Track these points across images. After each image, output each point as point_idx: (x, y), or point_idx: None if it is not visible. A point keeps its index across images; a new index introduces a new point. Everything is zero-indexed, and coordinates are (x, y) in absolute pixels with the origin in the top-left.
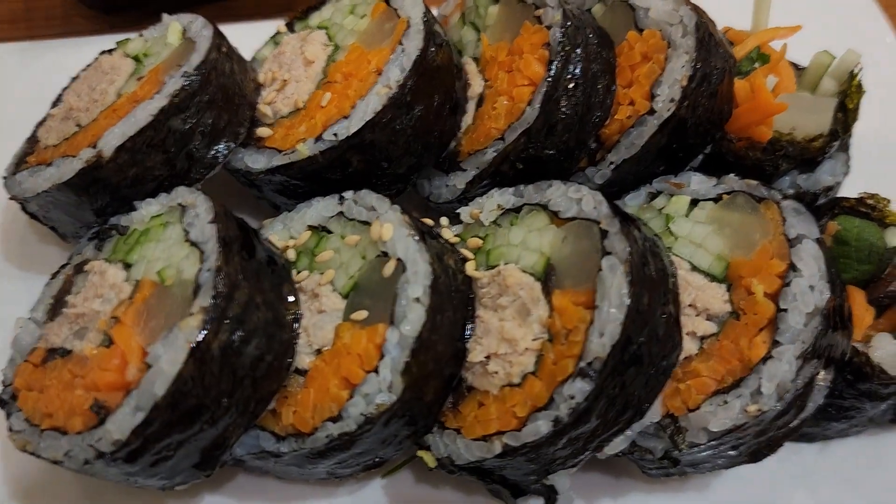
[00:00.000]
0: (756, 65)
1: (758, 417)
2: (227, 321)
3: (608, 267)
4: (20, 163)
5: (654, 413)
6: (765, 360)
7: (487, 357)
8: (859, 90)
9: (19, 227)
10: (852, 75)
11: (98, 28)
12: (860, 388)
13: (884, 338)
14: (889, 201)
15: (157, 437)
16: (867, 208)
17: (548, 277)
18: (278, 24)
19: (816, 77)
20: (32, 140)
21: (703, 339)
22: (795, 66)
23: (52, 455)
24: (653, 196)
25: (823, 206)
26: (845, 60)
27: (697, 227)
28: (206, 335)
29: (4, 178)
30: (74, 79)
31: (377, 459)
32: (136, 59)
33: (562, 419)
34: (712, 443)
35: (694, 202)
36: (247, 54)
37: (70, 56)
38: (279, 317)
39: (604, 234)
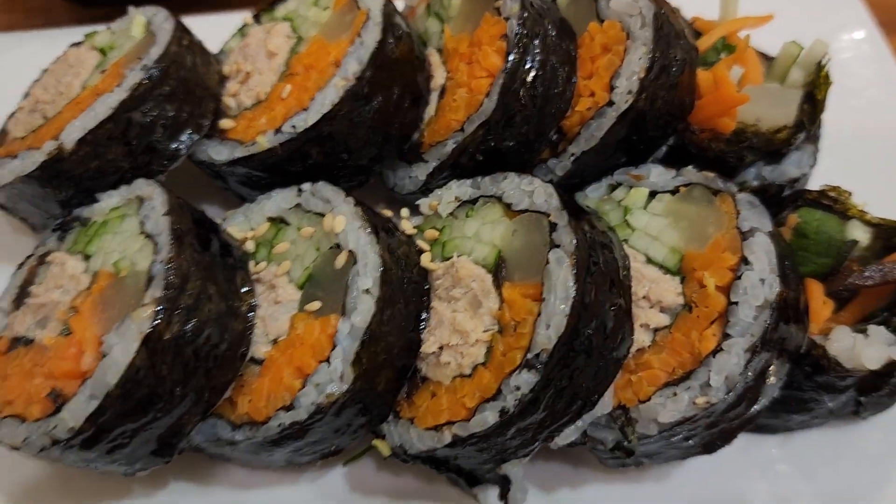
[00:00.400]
0: (722, 55)
1: (707, 409)
2: (179, 312)
3: (555, 260)
4: None
5: (606, 404)
6: (714, 352)
7: (440, 348)
8: (827, 81)
9: None
10: (820, 66)
11: (78, 19)
12: (818, 380)
13: (842, 331)
14: (850, 194)
15: (111, 425)
16: (829, 201)
17: (499, 270)
18: (246, 16)
19: (785, 67)
20: (2, 133)
21: (655, 330)
22: (765, 57)
23: (11, 441)
24: (613, 187)
25: (787, 197)
26: (813, 51)
27: (654, 219)
28: (157, 325)
29: None
30: (44, 71)
31: (334, 448)
32: (102, 51)
33: (508, 410)
34: (663, 434)
35: (652, 194)
36: (218, 45)
37: (46, 48)
38: (232, 307)
39: (553, 226)
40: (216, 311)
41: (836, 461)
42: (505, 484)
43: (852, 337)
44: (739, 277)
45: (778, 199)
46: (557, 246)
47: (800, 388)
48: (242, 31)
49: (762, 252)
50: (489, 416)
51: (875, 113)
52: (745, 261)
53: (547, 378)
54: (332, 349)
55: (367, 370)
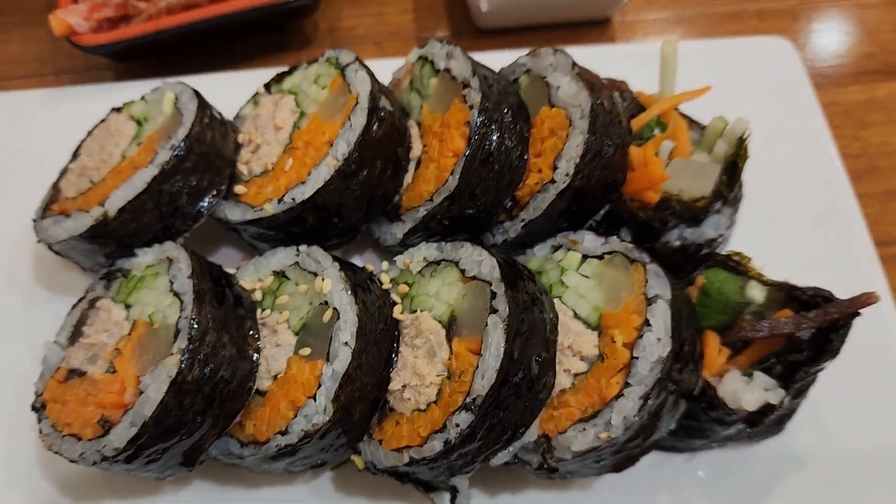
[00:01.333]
0: (656, 131)
1: (609, 442)
2: (199, 359)
3: (492, 323)
4: (46, 208)
5: (532, 434)
6: (617, 397)
7: (403, 386)
8: (745, 154)
9: (47, 257)
10: (741, 140)
11: (116, 69)
12: (711, 415)
13: (733, 375)
14: (751, 259)
15: (147, 445)
16: (733, 263)
17: (451, 326)
18: (261, 79)
19: (712, 139)
20: (56, 189)
21: (575, 375)
22: (697, 126)
23: (70, 455)
24: (555, 248)
25: (704, 257)
26: (735, 127)
27: (583, 280)
28: (181, 371)
29: (34, 220)
30: (89, 134)
31: (320, 462)
32: (138, 122)
33: (451, 441)
34: (577, 459)
35: (585, 257)
36: (237, 98)
37: (90, 102)
38: (242, 352)
39: (493, 294)
40: (229, 356)
41: (729, 476)
42: (454, 492)
43: (740, 380)
44: (641, 336)
45: (694, 258)
46: (495, 311)
47: (698, 419)
48: (255, 99)
49: (660, 317)
50: (436, 445)
51: (793, 178)
52: (647, 322)
53: (482, 417)
54: (318, 388)
55: (345, 405)
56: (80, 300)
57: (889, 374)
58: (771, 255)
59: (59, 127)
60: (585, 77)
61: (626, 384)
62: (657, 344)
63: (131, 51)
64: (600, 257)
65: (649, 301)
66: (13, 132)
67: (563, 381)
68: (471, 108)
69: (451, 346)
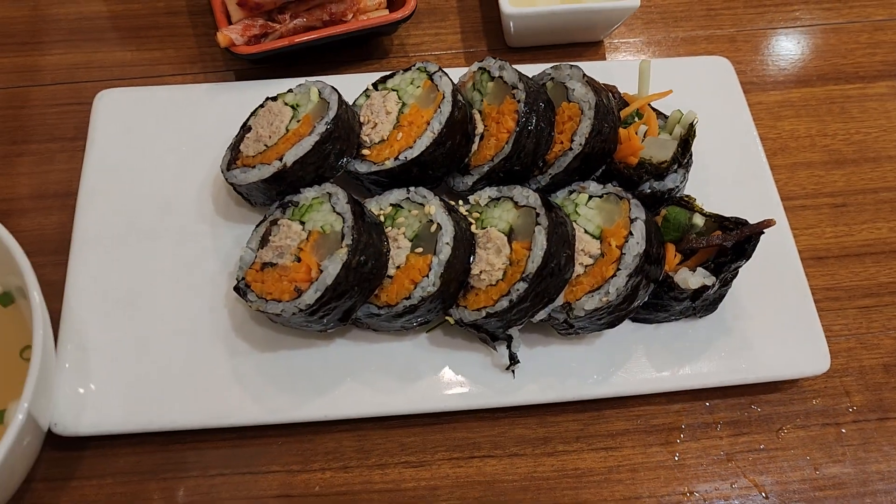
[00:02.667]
0: (636, 118)
1: (608, 304)
2: (358, 251)
3: (537, 231)
4: (230, 163)
5: (559, 300)
6: (612, 277)
7: (480, 272)
8: (694, 134)
9: (222, 199)
10: (691, 125)
11: (248, 70)
12: (669, 294)
13: (684, 270)
14: (696, 199)
15: (325, 304)
16: (684, 202)
17: (511, 234)
18: (368, 82)
19: (673, 125)
20: (237, 151)
21: (586, 266)
22: (662, 115)
23: (273, 311)
24: (570, 192)
25: (665, 198)
26: (687, 116)
27: (589, 210)
28: (347, 258)
29: (223, 171)
30: (253, 114)
31: (426, 320)
32: (292, 107)
33: (513, 300)
34: (587, 317)
35: (590, 197)
36: (346, 95)
37: (241, 94)
38: (380, 249)
39: (537, 214)
40: (374, 251)
41: (682, 338)
42: (510, 339)
43: (688, 273)
44: (627, 241)
45: (660, 200)
46: (539, 224)
47: (661, 298)
48: (366, 93)
49: (639, 230)
50: (503, 303)
51: (728, 152)
52: (631, 233)
53: (531, 285)
54: (429, 271)
55: (445, 281)
56: (262, 221)
57: (782, 272)
58: (710, 202)
59: (218, 111)
60: (591, 83)
61: (618, 269)
62: (636, 245)
63: (266, 59)
64: (601, 196)
65: (632, 221)
66: (186, 115)
67: (578, 269)
68: (518, 102)
69: (511, 246)
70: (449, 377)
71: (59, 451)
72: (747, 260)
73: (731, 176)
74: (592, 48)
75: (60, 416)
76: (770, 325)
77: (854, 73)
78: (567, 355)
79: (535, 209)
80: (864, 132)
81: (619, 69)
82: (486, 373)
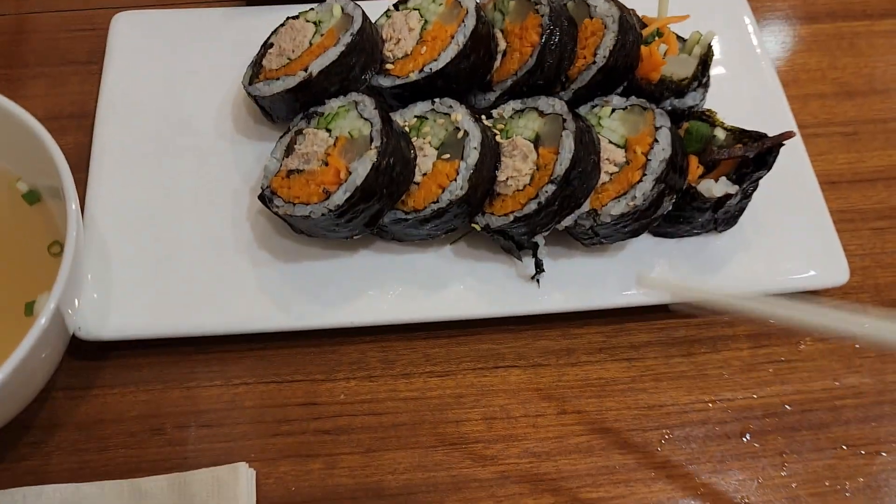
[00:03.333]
0: (655, 38)
1: (634, 209)
2: (387, 154)
3: (565, 135)
4: (252, 79)
5: (586, 206)
6: (638, 182)
7: (507, 178)
8: (712, 53)
9: (243, 115)
10: (709, 46)
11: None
12: (693, 204)
13: (707, 181)
14: (717, 113)
15: (354, 205)
16: (706, 116)
17: (537, 141)
18: (388, 4)
19: (692, 46)
20: (259, 65)
21: (611, 174)
22: (681, 38)
23: (301, 213)
24: (593, 106)
25: (686, 114)
26: (706, 37)
27: (614, 121)
28: (377, 160)
29: (245, 85)
30: (274, 32)
31: (452, 227)
32: (314, 23)
33: (542, 202)
34: (614, 223)
35: (613, 110)
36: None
37: (258, 18)
38: (407, 156)
39: (564, 120)
40: (402, 156)
41: (702, 251)
42: (535, 246)
43: (710, 182)
44: (653, 147)
45: (681, 115)
46: (566, 129)
47: (683, 210)
48: (387, 13)
49: (664, 136)
50: (532, 206)
51: (737, 75)
52: (656, 140)
53: (560, 188)
54: (457, 175)
55: (473, 185)
56: (287, 132)
57: (799, 190)
58: (730, 118)
59: (235, 35)
60: (614, 0)
61: (644, 174)
62: (662, 151)
63: None
64: (624, 108)
65: (657, 129)
66: (202, 38)
67: (603, 178)
68: (542, 16)
69: (538, 152)
70: (473, 287)
71: (80, 361)
72: (768, 170)
73: (747, 101)
74: None
75: (84, 320)
76: (789, 240)
77: (862, 10)
78: (590, 266)
79: (562, 115)
80: (872, 66)
81: None
82: (510, 283)
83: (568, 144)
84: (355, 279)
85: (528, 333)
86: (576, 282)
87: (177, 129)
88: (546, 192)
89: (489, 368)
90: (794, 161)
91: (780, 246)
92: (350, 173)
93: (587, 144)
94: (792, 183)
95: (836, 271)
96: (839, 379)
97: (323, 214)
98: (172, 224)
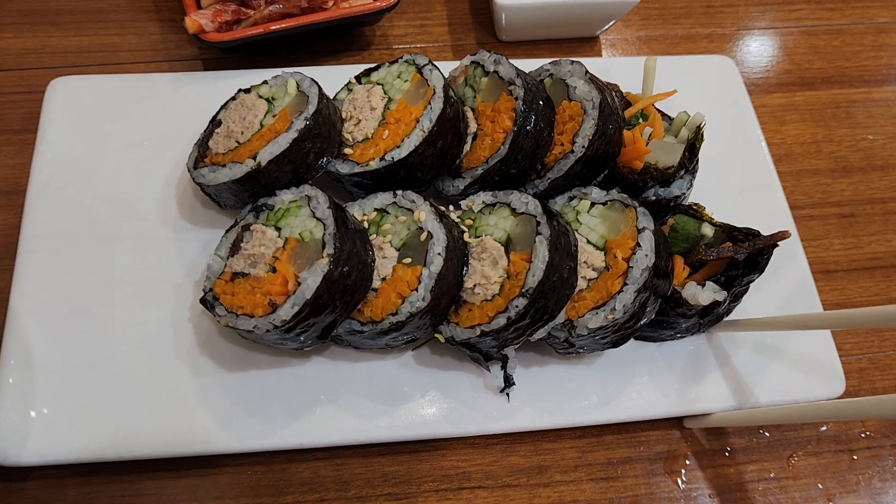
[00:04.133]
0: (640, 120)
1: (613, 322)
2: (340, 262)
3: (538, 241)
4: (198, 161)
5: (561, 317)
6: (619, 292)
7: (474, 285)
8: (702, 138)
9: (188, 199)
10: (699, 128)
11: (218, 59)
12: (677, 311)
13: (692, 284)
14: (705, 208)
15: (304, 319)
16: (693, 210)
17: (508, 244)
18: (350, 75)
19: (679, 128)
20: (205, 147)
21: (589, 280)
22: (668, 117)
23: (245, 327)
24: (571, 198)
25: (672, 207)
26: (695, 118)
27: (592, 219)
28: (330, 268)
29: (189, 169)
30: (223, 107)
31: (413, 338)
32: (267, 100)
33: (511, 317)
34: (591, 335)
35: (592, 204)
36: (325, 88)
37: (210, 85)
38: (364, 260)
39: (538, 223)
40: (357, 261)
41: (688, 358)
42: (505, 359)
43: (696, 287)
44: (635, 253)
45: (665, 208)
46: (540, 234)
47: (667, 315)
48: (348, 86)
49: (647, 241)
50: (501, 321)
51: (734, 157)
52: (638, 244)
53: (531, 301)
54: (419, 284)
55: (436, 295)
56: (234, 226)
57: (794, 287)
58: (717, 210)
59: (184, 103)
60: (594, 80)
61: (625, 284)
62: (645, 258)
63: (238, 47)
64: (604, 203)
65: (639, 231)
66: (149, 106)
67: (580, 284)
68: (516, 99)
69: (509, 258)
70: (436, 401)
71: None
72: (760, 274)
73: (736, 183)
74: (587, 44)
75: (1, 443)
76: (781, 344)
77: (859, 76)
78: (564, 377)
79: (536, 217)
80: (870, 139)
81: (616, 67)
82: (477, 396)
83: (542, 253)
84: (307, 391)
85: (496, 448)
86: (549, 395)
87: (116, 212)
88: (517, 306)
89: (453, 490)
90: (787, 251)
91: (771, 351)
92: (300, 283)
93: (563, 250)
94: (784, 277)
95: (832, 382)
96: (834, 499)
97: (268, 330)
98: (106, 323)
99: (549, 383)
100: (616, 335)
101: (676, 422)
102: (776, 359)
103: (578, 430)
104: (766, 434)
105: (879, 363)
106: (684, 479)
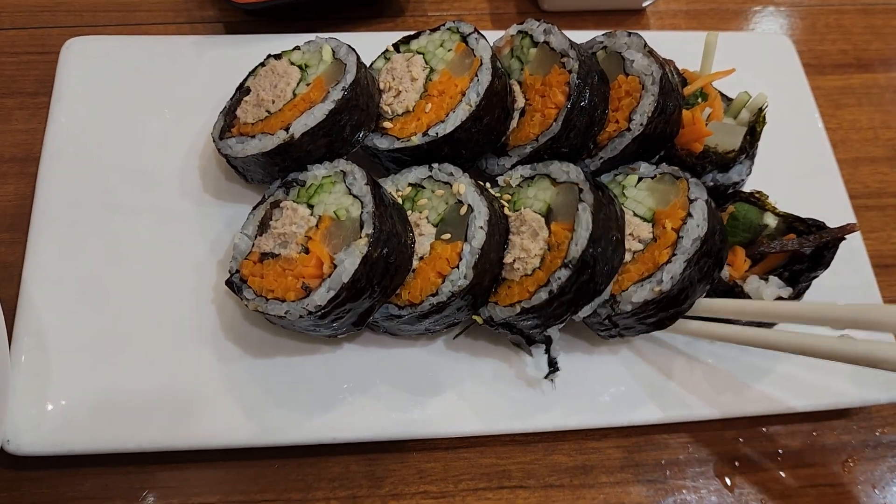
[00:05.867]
0: (699, 100)
1: (660, 296)
2: (380, 243)
3: (581, 208)
4: (224, 131)
5: (607, 293)
6: (666, 263)
7: (514, 260)
8: (764, 121)
9: (212, 171)
10: (760, 110)
11: (242, 23)
12: None
13: (753, 278)
14: (768, 196)
15: (339, 306)
16: (754, 198)
17: (549, 215)
18: (384, 43)
19: (738, 109)
20: (233, 116)
21: (634, 252)
22: (727, 98)
23: (276, 312)
24: (616, 174)
25: (730, 194)
26: (756, 100)
27: (640, 192)
28: (369, 250)
29: (215, 140)
30: (252, 73)
31: (454, 321)
32: (300, 67)
33: (553, 291)
34: (634, 312)
35: (640, 179)
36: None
37: (235, 50)
38: (404, 240)
39: (580, 191)
40: (397, 241)
41: (742, 354)
42: (548, 341)
43: (759, 282)
44: (685, 223)
45: (724, 195)
46: (583, 201)
47: None
48: (385, 55)
49: (700, 210)
50: (542, 295)
51: (791, 142)
52: (689, 214)
53: (575, 273)
54: (460, 261)
55: (479, 272)
56: (261, 203)
57: (855, 283)
58: (771, 198)
59: (208, 68)
60: (654, 55)
61: (674, 254)
62: (696, 228)
63: (265, 10)
64: (652, 177)
65: (691, 201)
66: (171, 70)
67: (627, 256)
68: (570, 72)
69: (549, 229)
70: (473, 393)
71: (12, 471)
72: (826, 269)
73: (792, 169)
74: (633, 17)
75: (15, 431)
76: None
77: None
78: (611, 372)
79: (578, 184)
80: None
81: (664, 41)
82: (516, 389)
83: (585, 220)
84: (338, 381)
85: (538, 446)
86: (594, 391)
87: (134, 182)
88: (559, 278)
89: (493, 489)
90: (847, 243)
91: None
92: (335, 266)
93: (608, 219)
94: (843, 271)
95: (892, 384)
96: None
97: (301, 316)
98: (124, 303)
99: (594, 378)
100: (663, 313)
101: (727, 421)
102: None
103: (625, 429)
104: (821, 437)
105: None
106: (735, 482)
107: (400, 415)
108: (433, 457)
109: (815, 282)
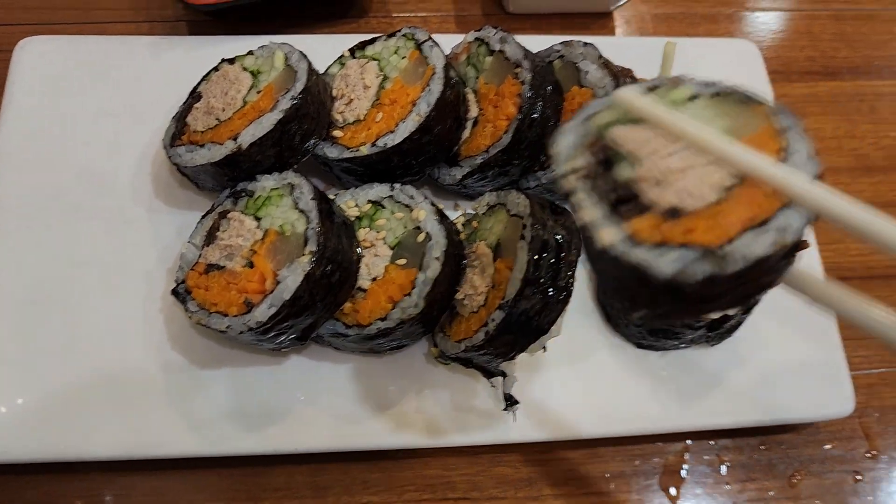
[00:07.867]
0: None
1: (782, 250)
2: (324, 260)
3: (520, 247)
4: (174, 138)
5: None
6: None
7: (465, 296)
8: None
9: (164, 175)
10: None
11: (201, 23)
12: (683, 322)
13: None
14: None
15: (281, 321)
16: None
17: (497, 250)
18: (344, 46)
19: None
20: (183, 123)
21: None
22: None
23: (218, 327)
24: (650, 88)
25: None
26: None
27: (702, 111)
28: (311, 268)
29: (165, 147)
30: (204, 78)
31: (401, 344)
32: (252, 73)
33: (489, 332)
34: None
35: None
36: (316, 60)
37: (193, 52)
38: (349, 258)
39: (524, 226)
40: (341, 258)
41: (690, 369)
42: (503, 374)
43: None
44: (787, 159)
45: None
46: (523, 238)
47: (672, 325)
48: (341, 60)
49: (801, 140)
50: (480, 336)
51: None
52: (790, 147)
53: (509, 314)
54: (413, 289)
55: (430, 302)
56: (210, 212)
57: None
58: None
59: (163, 70)
60: (608, 66)
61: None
62: (808, 162)
63: (225, 11)
64: (712, 96)
65: (781, 131)
66: (126, 72)
67: (708, 195)
68: (522, 83)
69: (495, 265)
70: (422, 406)
71: None
72: (776, 284)
73: None
74: (600, 20)
75: None
76: (789, 358)
77: (887, 66)
78: (560, 386)
79: (523, 219)
80: (894, 136)
81: (630, 47)
82: (466, 401)
83: (522, 259)
84: (284, 392)
85: (484, 458)
86: (542, 405)
87: (86, 187)
88: (493, 319)
89: (437, 500)
90: (800, 254)
91: (778, 366)
92: (278, 282)
93: (549, 263)
94: None
95: (841, 400)
96: None
97: (242, 332)
98: (71, 311)
99: (542, 393)
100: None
101: (675, 435)
102: (784, 374)
103: (571, 442)
104: (768, 451)
105: (889, 379)
106: (680, 495)
107: (345, 426)
108: (378, 467)
109: (773, 299)
